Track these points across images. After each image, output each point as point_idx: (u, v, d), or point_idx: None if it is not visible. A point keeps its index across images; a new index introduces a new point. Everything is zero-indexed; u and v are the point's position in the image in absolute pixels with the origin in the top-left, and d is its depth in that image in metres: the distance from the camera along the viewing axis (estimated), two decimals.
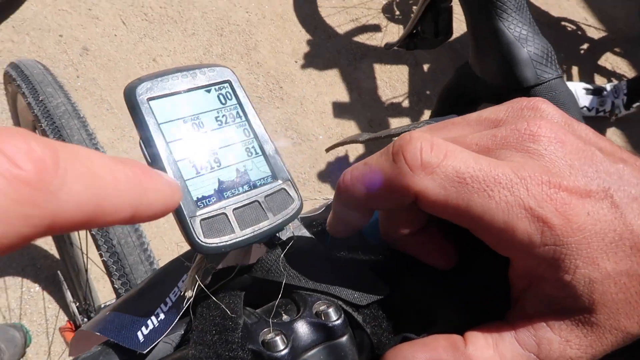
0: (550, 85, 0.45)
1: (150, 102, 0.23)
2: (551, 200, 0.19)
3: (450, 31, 0.54)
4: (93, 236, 0.49)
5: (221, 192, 0.23)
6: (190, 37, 1.55)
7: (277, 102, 1.55)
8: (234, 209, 0.23)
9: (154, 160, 0.22)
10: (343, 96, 1.62)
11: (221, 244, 0.22)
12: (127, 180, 0.14)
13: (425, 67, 1.76)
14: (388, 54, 1.73)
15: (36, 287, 1.15)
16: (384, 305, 0.24)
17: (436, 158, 0.19)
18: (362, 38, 1.74)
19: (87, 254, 0.83)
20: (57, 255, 1.18)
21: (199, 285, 0.23)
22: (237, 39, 1.60)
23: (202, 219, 0.22)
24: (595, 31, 1.91)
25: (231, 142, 0.24)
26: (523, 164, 0.19)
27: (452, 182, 0.19)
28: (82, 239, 0.82)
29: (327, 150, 0.31)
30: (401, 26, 1.78)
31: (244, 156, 0.24)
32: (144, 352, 0.23)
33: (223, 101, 0.25)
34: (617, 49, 1.87)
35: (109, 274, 0.48)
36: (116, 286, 0.47)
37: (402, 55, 1.74)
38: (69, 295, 1.02)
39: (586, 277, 0.18)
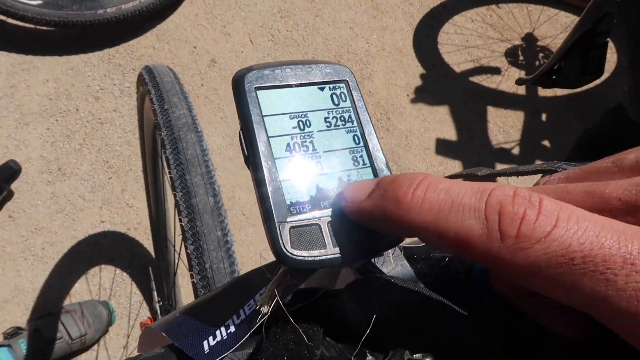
0: None
1: (257, 91, 0.21)
2: None
3: (601, 70, 0.48)
4: (182, 227, 0.50)
5: (318, 200, 0.21)
6: None
7: (383, 133, 1.54)
8: (330, 222, 0.20)
9: (251, 153, 0.21)
10: (451, 135, 1.56)
11: (309, 258, 0.19)
12: None
13: (545, 116, 1.64)
14: (507, 99, 1.64)
15: (127, 273, 1.23)
16: None
17: (540, 231, 0.15)
18: (479, 79, 1.67)
19: (179, 254, 0.87)
20: (151, 248, 1.26)
21: (277, 301, 0.21)
22: (353, 66, 1.62)
23: (292, 227, 0.20)
24: None
25: (338, 147, 0.22)
26: None
27: (553, 260, 0.14)
28: (177, 239, 0.86)
29: None
30: (523, 71, 1.69)
31: (350, 165, 0.22)
32: None
33: (336, 102, 0.23)
34: None
35: (190, 267, 0.48)
36: (194, 280, 0.48)
37: (520, 101, 1.64)
38: (155, 294, 1.07)
39: None
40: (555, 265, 0.14)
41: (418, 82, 1.64)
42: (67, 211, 1.26)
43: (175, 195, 0.51)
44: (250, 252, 1.31)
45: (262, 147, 0.20)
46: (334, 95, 0.23)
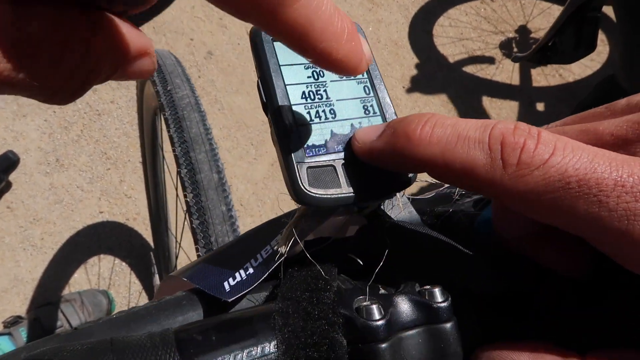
0: None
1: (274, 42, 0.22)
2: None
3: (594, 44, 0.49)
4: (187, 202, 0.51)
5: (332, 144, 0.22)
6: None
7: None
8: (343, 164, 0.21)
9: (269, 101, 0.22)
10: None
11: (325, 196, 0.20)
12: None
13: (540, 107, 1.66)
14: (500, 90, 1.66)
15: (126, 263, 1.24)
16: (497, 301, 0.20)
17: (539, 158, 0.16)
18: (474, 71, 1.69)
19: (180, 243, 0.88)
20: (149, 238, 1.26)
21: (293, 242, 0.22)
22: None
23: (310, 167, 0.21)
24: None
25: (350, 96, 0.23)
26: None
27: (551, 185, 0.16)
28: (178, 224, 0.87)
29: None
30: (517, 64, 1.71)
31: (361, 113, 0.23)
32: (229, 300, 0.22)
33: None
34: None
35: (195, 241, 0.49)
36: (200, 254, 0.49)
37: (515, 92, 1.66)
38: (156, 279, 1.08)
39: None
40: (552, 190, 0.16)
41: (414, 74, 1.66)
42: (65, 202, 1.27)
43: (179, 173, 0.52)
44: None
45: (279, 93, 0.22)
46: None
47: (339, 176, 0.21)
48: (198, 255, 0.50)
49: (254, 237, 0.26)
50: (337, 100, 0.23)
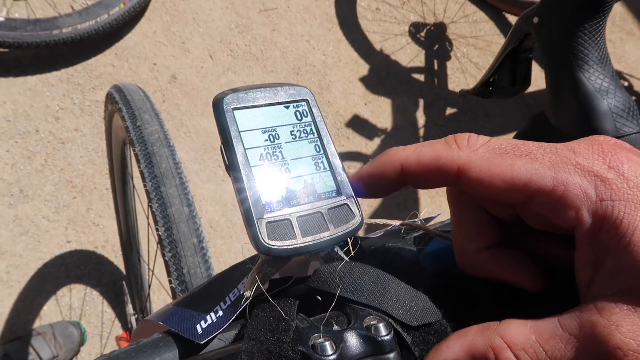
0: (630, 139, 0.43)
1: (234, 111, 0.25)
2: (601, 157, 0.18)
3: (528, 81, 0.55)
4: (159, 236, 0.53)
5: (288, 199, 0.25)
6: (269, 74, 1.65)
7: (343, 141, 1.59)
8: (298, 217, 0.24)
9: (231, 163, 0.24)
10: (409, 140, 1.63)
11: (283, 247, 0.23)
12: None
13: (495, 119, 1.74)
14: (458, 103, 1.73)
15: (97, 291, 1.23)
16: (436, 331, 0.24)
17: (482, 140, 0.22)
18: (432, 86, 1.76)
19: (152, 270, 0.89)
20: (120, 264, 1.26)
21: (257, 287, 0.24)
22: (312, 78, 1.68)
23: (268, 222, 0.23)
24: None
25: (302, 155, 0.26)
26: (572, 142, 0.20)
27: (494, 153, 0.21)
28: (150, 252, 0.88)
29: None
30: (474, 78, 1.79)
31: (313, 170, 0.26)
32: (201, 342, 0.24)
33: (299, 117, 0.27)
34: None
35: (168, 273, 0.51)
36: (173, 285, 0.51)
37: (472, 106, 1.74)
38: (129, 308, 1.08)
39: None
40: (497, 155, 0.21)
41: (375, 90, 1.71)
42: (31, 233, 1.25)
43: (151, 207, 0.54)
44: (220, 264, 1.33)
45: (240, 157, 0.24)
46: (297, 112, 0.27)
47: (295, 228, 0.24)
48: (172, 288, 0.51)
49: (221, 281, 0.28)
50: (291, 159, 0.26)
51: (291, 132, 0.26)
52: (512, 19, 1.93)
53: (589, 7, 0.41)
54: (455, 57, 1.83)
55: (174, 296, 0.52)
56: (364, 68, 1.75)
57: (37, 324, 1.15)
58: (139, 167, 0.56)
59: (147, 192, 0.54)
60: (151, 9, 1.64)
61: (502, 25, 1.93)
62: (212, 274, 0.53)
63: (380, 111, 1.68)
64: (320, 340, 0.22)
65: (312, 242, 0.24)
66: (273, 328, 0.23)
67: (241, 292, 0.25)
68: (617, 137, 0.44)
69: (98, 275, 1.24)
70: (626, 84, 1.88)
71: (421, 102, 1.72)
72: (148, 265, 0.89)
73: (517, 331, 0.19)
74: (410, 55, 1.81)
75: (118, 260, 1.26)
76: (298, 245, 0.24)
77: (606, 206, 0.18)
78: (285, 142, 0.26)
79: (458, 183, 0.22)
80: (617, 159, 0.18)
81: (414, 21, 1.87)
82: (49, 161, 1.34)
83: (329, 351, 0.21)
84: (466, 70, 1.81)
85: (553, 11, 0.45)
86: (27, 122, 1.37)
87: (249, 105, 0.26)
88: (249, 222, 0.24)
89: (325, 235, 0.24)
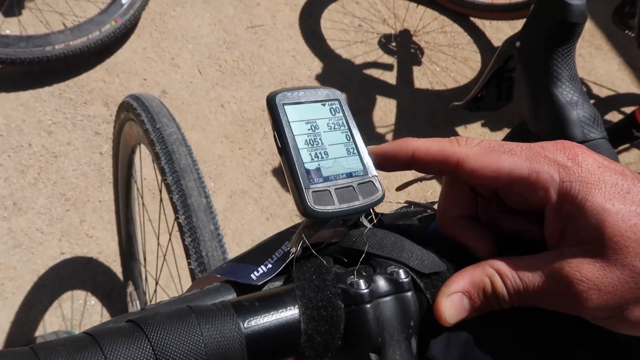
0: (595, 143, 0.51)
1: (285, 106, 0.31)
2: (563, 151, 0.26)
3: (511, 97, 0.64)
4: (179, 223, 0.57)
5: (327, 175, 0.31)
6: (256, 88, 1.70)
7: None
8: (335, 189, 0.30)
9: (283, 147, 0.30)
10: None
11: (325, 210, 0.29)
12: None
13: (474, 131, 1.83)
14: (439, 116, 1.82)
15: (93, 300, 1.24)
16: (443, 279, 0.30)
17: (476, 141, 0.29)
18: (414, 97, 1.84)
19: (157, 280, 0.91)
20: (115, 271, 1.27)
21: (302, 242, 0.30)
22: None
23: (313, 191, 0.29)
24: None
25: (337, 142, 0.32)
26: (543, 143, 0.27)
27: (485, 150, 0.28)
28: (156, 262, 0.90)
29: (399, 189, 0.39)
30: (456, 89, 1.88)
31: (345, 153, 0.32)
32: (258, 284, 0.30)
33: (333, 113, 0.33)
34: None
35: (187, 257, 0.56)
36: (192, 267, 0.56)
37: (452, 118, 1.82)
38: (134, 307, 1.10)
39: (596, 207, 0.24)
40: (488, 152, 0.27)
41: (361, 102, 1.78)
42: (25, 245, 1.25)
43: (172, 198, 0.58)
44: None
45: (290, 141, 0.30)
46: (331, 109, 0.33)
47: (333, 197, 0.30)
48: (191, 270, 0.56)
49: (269, 242, 0.34)
50: (328, 145, 0.32)
51: (327, 124, 0.32)
52: (479, 23, 2.04)
53: (561, 35, 0.51)
54: (430, 67, 1.92)
55: (192, 278, 0.56)
56: (349, 81, 1.82)
57: (32, 334, 1.15)
58: (159, 164, 0.61)
59: (167, 185, 0.58)
60: (141, 26, 1.69)
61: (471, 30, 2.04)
62: (227, 257, 0.57)
63: (366, 123, 1.74)
64: (355, 279, 0.28)
65: (347, 208, 0.30)
66: (318, 272, 0.29)
67: (288, 249, 0.31)
68: (584, 142, 0.53)
69: (93, 286, 1.26)
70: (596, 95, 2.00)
71: (404, 113, 1.79)
72: (154, 276, 0.92)
73: (502, 263, 0.27)
74: (393, 69, 1.89)
75: (114, 270, 1.28)
76: (336, 210, 0.30)
77: (567, 186, 0.25)
78: (324, 132, 0.32)
79: (456, 171, 0.28)
80: (574, 153, 0.26)
81: (387, 33, 1.96)
82: (42, 174, 1.36)
83: (363, 286, 0.27)
84: (445, 83, 1.90)
85: (532, 37, 0.55)
86: (20, 136, 1.39)
87: (295, 102, 0.32)
88: (298, 191, 0.29)
89: (356, 204, 0.30)
